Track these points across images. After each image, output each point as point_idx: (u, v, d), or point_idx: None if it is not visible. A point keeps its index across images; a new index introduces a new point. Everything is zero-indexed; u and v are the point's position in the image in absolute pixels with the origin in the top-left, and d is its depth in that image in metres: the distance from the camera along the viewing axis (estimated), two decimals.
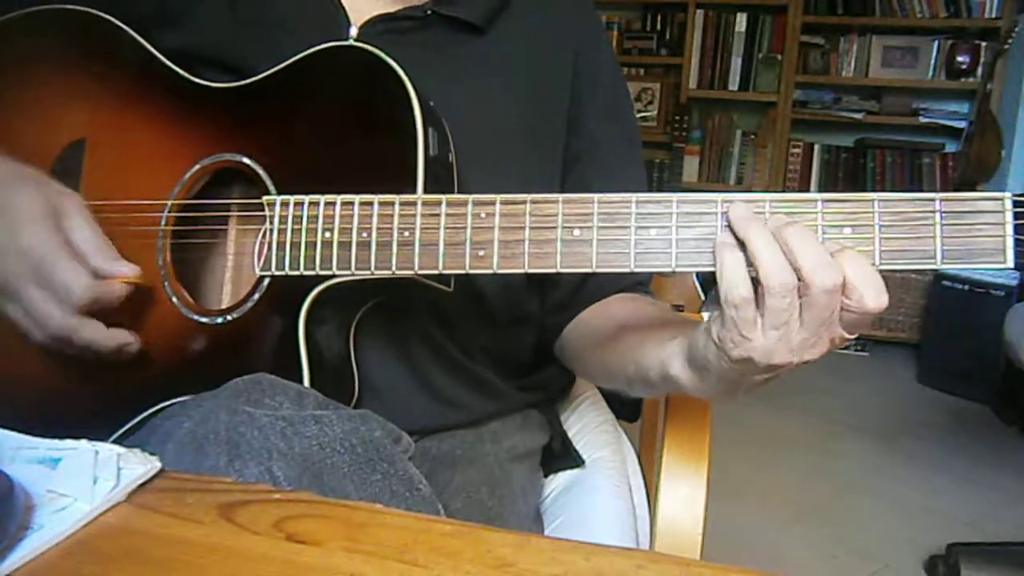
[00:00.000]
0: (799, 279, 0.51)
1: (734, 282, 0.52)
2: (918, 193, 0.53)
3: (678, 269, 0.56)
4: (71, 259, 0.63)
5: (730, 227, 0.54)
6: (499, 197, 0.59)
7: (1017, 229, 0.52)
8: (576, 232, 0.57)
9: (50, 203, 0.64)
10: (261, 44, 0.74)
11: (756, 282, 0.52)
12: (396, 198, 0.61)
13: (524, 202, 0.58)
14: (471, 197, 0.60)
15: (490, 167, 0.73)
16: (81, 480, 0.47)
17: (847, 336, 0.53)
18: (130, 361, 0.67)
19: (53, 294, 0.62)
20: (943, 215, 0.53)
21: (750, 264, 0.52)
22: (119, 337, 0.66)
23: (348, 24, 0.76)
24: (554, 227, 0.58)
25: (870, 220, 0.53)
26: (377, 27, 0.76)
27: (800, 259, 0.50)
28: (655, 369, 0.63)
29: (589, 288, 0.82)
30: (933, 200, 0.53)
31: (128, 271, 0.64)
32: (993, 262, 0.52)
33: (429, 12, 0.77)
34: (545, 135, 0.81)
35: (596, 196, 0.57)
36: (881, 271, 0.53)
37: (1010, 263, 0.52)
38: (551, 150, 0.82)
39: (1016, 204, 0.52)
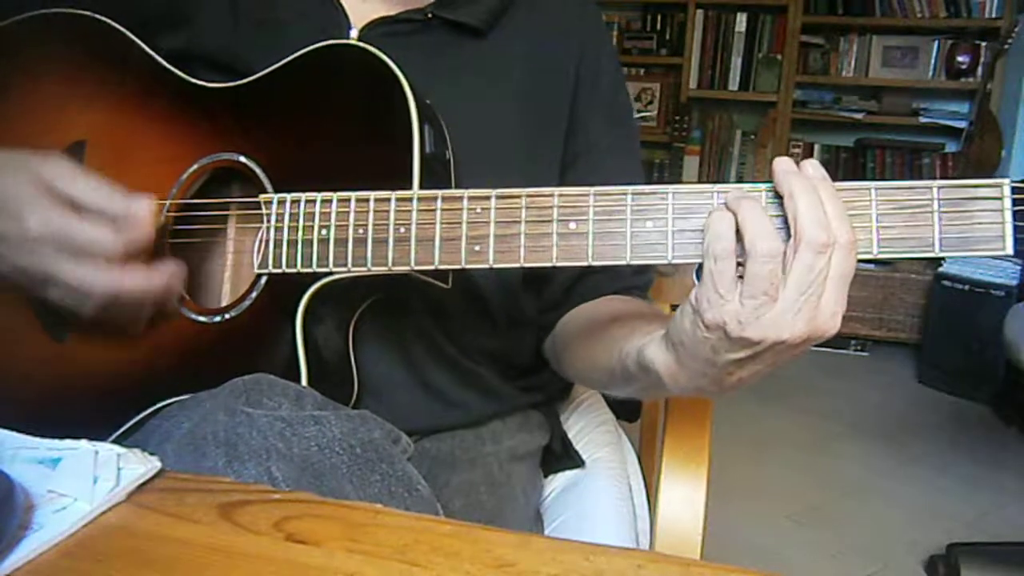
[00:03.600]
0: (792, 233, 0.50)
1: (718, 233, 0.52)
2: (916, 181, 0.53)
3: (674, 260, 0.56)
4: (85, 220, 0.62)
5: (725, 204, 0.54)
6: (495, 192, 0.59)
7: (1016, 216, 0.51)
8: (572, 225, 0.57)
9: (37, 177, 0.62)
10: (262, 46, 0.74)
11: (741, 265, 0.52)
12: (392, 194, 0.61)
13: (520, 196, 0.59)
14: (467, 192, 0.60)
15: (489, 169, 0.73)
16: (81, 480, 0.47)
17: (827, 317, 0.51)
18: (129, 360, 0.67)
19: (86, 259, 0.62)
20: (941, 203, 0.52)
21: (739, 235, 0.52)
22: (165, 271, 0.65)
23: (349, 26, 0.76)
24: (550, 220, 0.58)
25: (867, 209, 0.53)
26: (377, 29, 0.76)
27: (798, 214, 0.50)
28: (633, 356, 0.61)
29: (583, 287, 0.82)
30: (931, 188, 0.53)
31: (144, 204, 0.63)
32: (992, 249, 0.52)
33: (430, 15, 0.77)
34: (545, 138, 0.81)
35: (592, 189, 0.57)
36: (880, 260, 0.53)
37: (1009, 250, 0.52)
38: (550, 153, 0.81)
39: (1015, 191, 0.52)
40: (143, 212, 0.63)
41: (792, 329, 0.51)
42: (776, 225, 0.52)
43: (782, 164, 0.53)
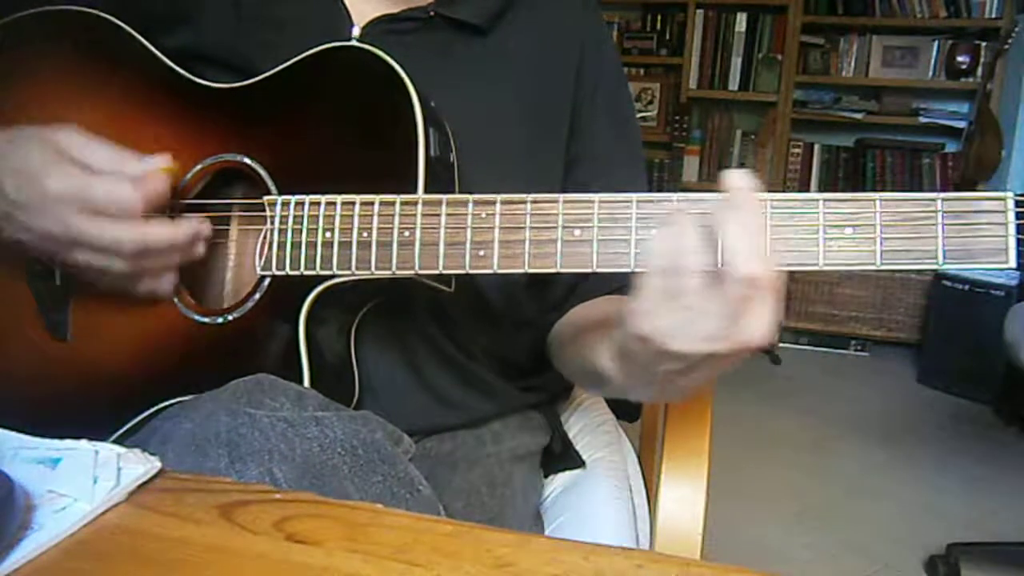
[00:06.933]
0: (722, 263, 0.50)
1: (649, 249, 0.53)
2: (920, 193, 0.53)
3: None
4: (104, 179, 0.62)
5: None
6: (499, 197, 0.59)
7: (1019, 229, 0.52)
8: (576, 232, 0.57)
9: (51, 144, 0.63)
10: (264, 44, 0.74)
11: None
12: (397, 198, 0.61)
13: (524, 202, 0.59)
14: (471, 197, 0.60)
15: (491, 168, 0.73)
16: (81, 480, 0.47)
17: (756, 327, 0.50)
18: (131, 361, 0.67)
19: (109, 217, 0.62)
20: (945, 215, 0.53)
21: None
22: (190, 222, 0.65)
23: (351, 24, 0.76)
24: (554, 227, 0.58)
25: (871, 220, 0.53)
26: (379, 27, 0.76)
27: (725, 246, 0.50)
28: (595, 363, 0.64)
29: (582, 288, 0.82)
30: (935, 200, 0.53)
31: (158, 160, 0.64)
32: (995, 262, 0.52)
33: (432, 13, 0.77)
34: (547, 137, 0.81)
35: (596, 196, 0.57)
36: (882, 270, 0.53)
37: (1012, 263, 0.52)
38: (553, 152, 0.81)
39: (1018, 204, 0.52)
40: (156, 168, 0.64)
41: (722, 344, 0.51)
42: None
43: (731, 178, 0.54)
